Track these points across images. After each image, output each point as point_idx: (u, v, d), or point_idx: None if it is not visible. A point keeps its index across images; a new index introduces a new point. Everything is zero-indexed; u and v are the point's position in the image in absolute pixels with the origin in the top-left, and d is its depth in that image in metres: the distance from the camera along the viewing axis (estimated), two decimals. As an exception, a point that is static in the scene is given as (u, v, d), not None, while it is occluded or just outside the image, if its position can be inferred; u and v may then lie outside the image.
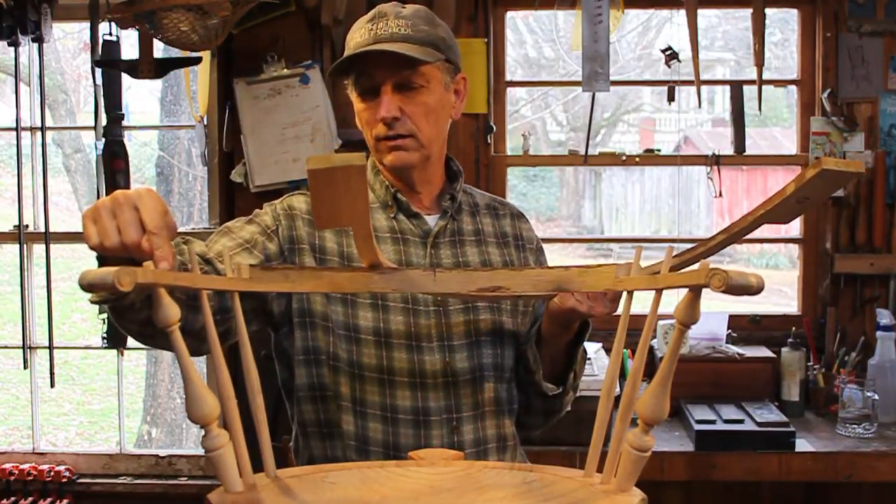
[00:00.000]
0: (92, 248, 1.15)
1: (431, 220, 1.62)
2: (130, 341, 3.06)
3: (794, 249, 3.28)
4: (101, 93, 2.93)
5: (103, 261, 1.17)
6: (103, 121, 2.93)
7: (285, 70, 2.98)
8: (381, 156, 1.58)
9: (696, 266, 1.07)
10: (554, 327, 1.55)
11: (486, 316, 1.58)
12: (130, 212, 1.12)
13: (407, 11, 1.56)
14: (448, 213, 1.63)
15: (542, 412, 1.68)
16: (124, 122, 2.96)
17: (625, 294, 1.27)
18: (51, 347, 3.03)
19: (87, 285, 0.99)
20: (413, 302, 1.53)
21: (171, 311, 1.07)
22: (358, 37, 1.55)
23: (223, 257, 1.30)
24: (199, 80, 3.06)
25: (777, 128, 10.02)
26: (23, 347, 3.12)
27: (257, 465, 1.19)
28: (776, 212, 1.15)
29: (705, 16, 8.46)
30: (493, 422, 1.58)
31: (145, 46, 2.72)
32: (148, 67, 2.73)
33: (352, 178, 1.07)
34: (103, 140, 2.92)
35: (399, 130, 1.53)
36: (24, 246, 3.11)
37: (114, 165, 2.89)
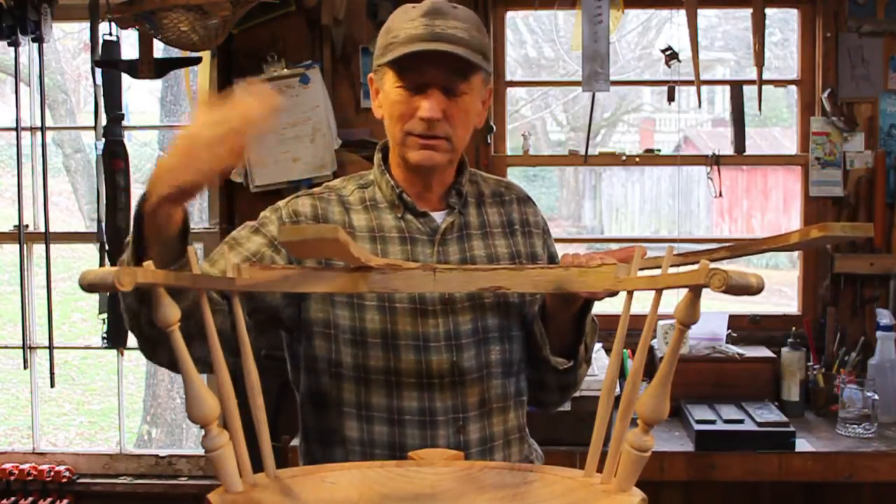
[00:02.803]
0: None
1: (439, 217, 1.60)
2: (130, 341, 3.06)
3: (794, 249, 3.29)
4: (101, 93, 2.93)
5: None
6: (103, 121, 2.93)
7: (285, 70, 2.98)
8: (408, 150, 1.54)
9: (696, 266, 1.07)
10: (557, 301, 1.55)
11: (493, 311, 1.57)
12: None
13: (461, 13, 1.52)
14: (455, 209, 1.61)
15: (557, 388, 1.66)
16: (124, 122, 2.96)
17: (625, 294, 1.27)
18: (51, 347, 3.03)
19: (87, 285, 1.00)
20: (420, 302, 1.52)
21: (171, 311, 1.08)
22: (411, 28, 1.49)
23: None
24: (199, 80, 3.06)
25: (777, 128, 10.01)
26: (23, 347, 3.12)
27: (257, 466, 1.19)
28: (778, 247, 1.34)
29: (705, 16, 8.46)
30: (500, 418, 1.57)
31: (145, 46, 2.72)
32: (148, 67, 2.74)
33: (326, 244, 1.14)
34: (103, 140, 2.92)
35: (437, 132, 1.51)
36: (24, 246, 3.11)
37: (114, 165, 2.89)
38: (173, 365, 1.34)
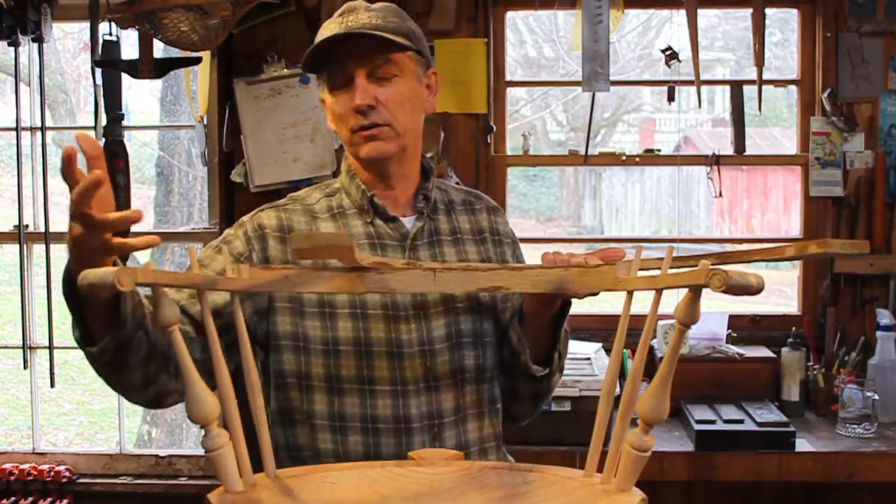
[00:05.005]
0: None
1: (408, 223, 1.59)
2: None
3: (794, 249, 3.28)
4: (101, 93, 2.93)
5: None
6: (103, 121, 2.93)
7: (285, 70, 2.98)
8: (357, 149, 1.54)
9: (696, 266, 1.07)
10: (535, 305, 1.53)
11: (466, 316, 1.55)
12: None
13: (376, 5, 1.55)
14: (424, 214, 1.60)
15: (530, 396, 1.65)
16: (124, 122, 2.96)
17: (625, 294, 1.27)
18: (51, 347, 3.03)
19: (87, 285, 0.99)
20: (393, 308, 1.50)
21: (171, 311, 1.08)
22: (328, 32, 1.53)
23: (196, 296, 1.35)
24: (199, 80, 3.06)
25: (777, 128, 10.01)
26: (23, 347, 3.12)
27: (257, 466, 1.19)
28: (771, 258, 1.39)
29: (705, 16, 8.45)
30: (476, 424, 1.56)
31: (145, 46, 2.72)
32: (148, 67, 2.73)
33: (338, 251, 1.14)
34: (103, 140, 2.92)
35: (374, 119, 1.51)
36: (24, 246, 3.11)
37: (114, 165, 2.89)
38: (146, 383, 1.36)
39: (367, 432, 1.48)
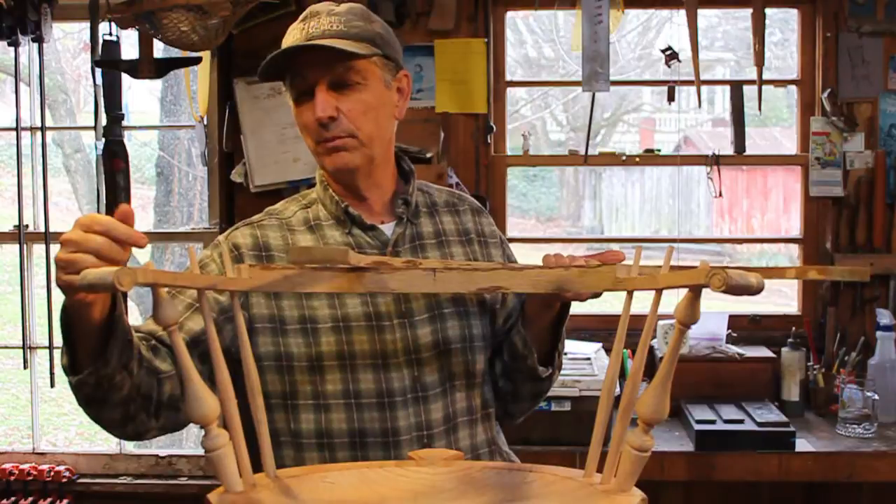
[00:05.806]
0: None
1: (388, 229, 1.55)
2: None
3: (794, 249, 3.29)
4: (101, 93, 2.93)
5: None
6: (103, 121, 2.93)
7: (285, 70, 2.98)
8: (322, 160, 1.51)
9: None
10: (536, 307, 1.52)
11: (453, 322, 1.52)
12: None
13: (340, 8, 1.51)
14: (404, 219, 1.57)
15: (530, 396, 1.64)
16: (124, 122, 2.96)
17: (625, 294, 1.27)
18: (51, 347, 3.03)
19: (87, 285, 0.99)
20: (376, 318, 1.48)
21: (171, 311, 1.07)
22: (291, 38, 1.50)
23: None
24: (199, 80, 3.06)
25: (777, 128, 10.01)
26: (23, 347, 3.12)
27: (257, 466, 1.19)
28: (771, 277, 1.36)
29: (705, 16, 8.45)
30: (467, 432, 1.54)
31: (145, 46, 2.72)
32: (148, 67, 2.73)
33: (333, 263, 1.17)
34: (103, 140, 2.92)
35: (337, 132, 1.47)
36: (24, 246, 3.11)
37: (114, 165, 2.89)
38: (125, 420, 1.36)
39: (355, 447, 1.46)
